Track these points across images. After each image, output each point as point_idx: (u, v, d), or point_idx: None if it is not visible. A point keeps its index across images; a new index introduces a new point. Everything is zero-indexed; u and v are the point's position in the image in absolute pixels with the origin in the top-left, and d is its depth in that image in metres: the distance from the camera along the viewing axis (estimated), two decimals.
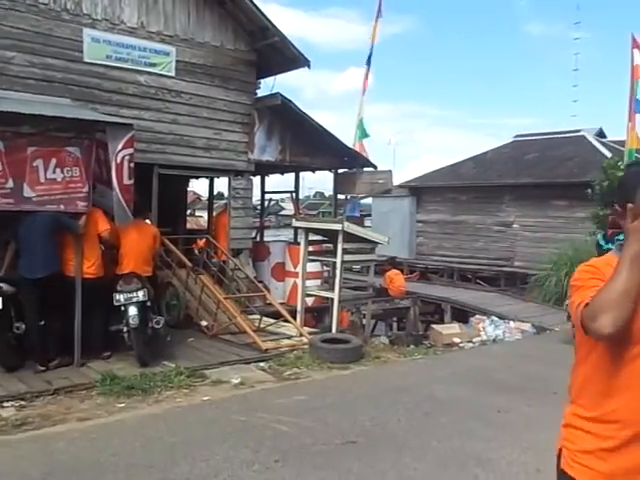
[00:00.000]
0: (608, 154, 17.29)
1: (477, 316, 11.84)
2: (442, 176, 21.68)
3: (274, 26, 10.71)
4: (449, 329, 10.83)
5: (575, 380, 1.96)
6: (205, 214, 18.08)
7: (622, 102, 15.03)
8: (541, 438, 5.10)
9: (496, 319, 11.13)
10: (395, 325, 13.58)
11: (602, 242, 11.60)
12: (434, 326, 11.49)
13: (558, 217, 18.06)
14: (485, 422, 5.54)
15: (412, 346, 9.81)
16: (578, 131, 21.29)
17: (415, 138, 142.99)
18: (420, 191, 21.88)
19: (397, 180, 21.40)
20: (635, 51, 14.84)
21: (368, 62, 17.55)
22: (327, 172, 13.60)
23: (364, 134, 16.88)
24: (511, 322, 10.94)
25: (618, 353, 1.75)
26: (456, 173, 21.41)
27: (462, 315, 13.13)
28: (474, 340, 10.21)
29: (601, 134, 22.99)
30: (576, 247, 13.36)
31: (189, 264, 9.65)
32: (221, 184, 13.97)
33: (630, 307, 1.65)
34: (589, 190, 14.30)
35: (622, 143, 15.90)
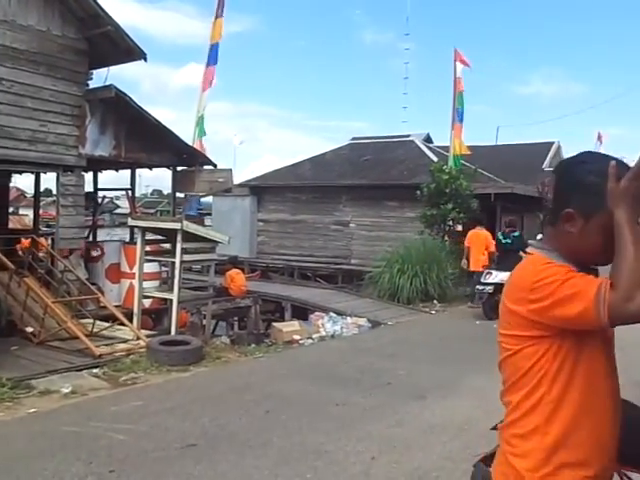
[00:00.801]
0: (435, 158, 18.57)
1: (316, 313, 12.11)
2: (282, 176, 21.98)
3: (107, 14, 10.18)
4: (289, 327, 10.98)
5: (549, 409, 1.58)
6: (31, 212, 16.77)
7: (447, 110, 16.30)
8: (375, 427, 5.35)
9: (334, 315, 11.46)
10: (236, 325, 13.50)
11: (501, 238, 12.64)
12: (275, 324, 11.60)
13: (391, 217, 19.08)
14: (324, 416, 5.68)
15: (253, 345, 9.82)
16: (408, 136, 22.67)
17: (257, 137, 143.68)
18: (261, 190, 22.02)
19: (238, 179, 21.39)
20: (457, 64, 16.11)
21: (210, 60, 17.30)
22: (165, 170, 13.21)
23: (202, 132, 16.62)
24: (348, 318, 11.31)
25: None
26: (296, 173, 21.82)
27: (302, 312, 13.37)
28: (314, 336, 10.44)
29: (428, 139, 24.68)
30: (406, 245, 14.17)
31: (11, 266, 8.86)
32: (49, 180, 13.05)
33: None
34: (418, 192, 15.28)
35: (447, 149, 17.21)
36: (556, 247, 1.63)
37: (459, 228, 15.66)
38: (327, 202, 20.43)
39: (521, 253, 12.23)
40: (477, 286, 11.49)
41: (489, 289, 10.95)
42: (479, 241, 12.79)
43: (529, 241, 1.65)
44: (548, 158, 29.03)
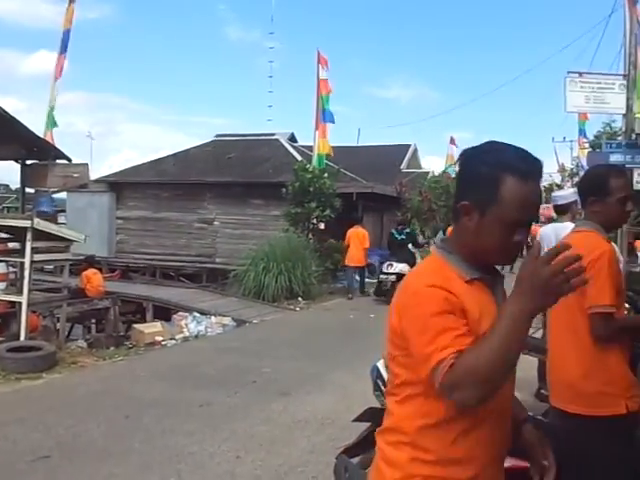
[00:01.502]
0: (299, 157, 18.81)
1: (180, 313, 11.86)
2: (143, 172, 21.21)
3: None
4: (151, 328, 10.65)
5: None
6: None
7: (311, 110, 16.54)
8: (240, 426, 5.33)
9: (198, 315, 11.28)
10: (94, 327, 12.87)
11: (396, 235, 14.31)
12: (136, 326, 11.19)
13: (256, 215, 19.08)
14: (187, 417, 5.56)
15: (112, 348, 9.41)
16: (273, 134, 22.77)
17: (115, 131, 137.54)
18: (120, 187, 21.10)
19: (95, 174, 20.36)
20: (320, 66, 16.43)
21: (62, 47, 16.30)
22: (13, 163, 12.25)
23: (53, 123, 15.64)
24: (212, 317, 11.19)
25: None
26: (158, 169, 21.15)
27: (165, 313, 13.01)
28: (177, 337, 10.21)
29: (293, 138, 24.95)
30: (272, 243, 14.23)
31: None
32: None
33: (504, 379, 1.39)
34: (283, 190, 15.41)
35: (311, 148, 17.49)
36: (456, 246, 1.55)
37: (322, 226, 15.99)
38: (191, 199, 20.01)
39: (411, 246, 14.01)
40: (380, 276, 13.18)
41: (392, 278, 12.56)
42: (358, 238, 14.11)
43: (434, 239, 1.70)
44: (406, 159, 30.52)
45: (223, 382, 6.81)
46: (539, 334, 5.08)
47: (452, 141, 29.12)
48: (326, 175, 15.68)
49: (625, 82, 12.31)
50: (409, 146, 32.14)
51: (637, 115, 11.88)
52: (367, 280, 15.21)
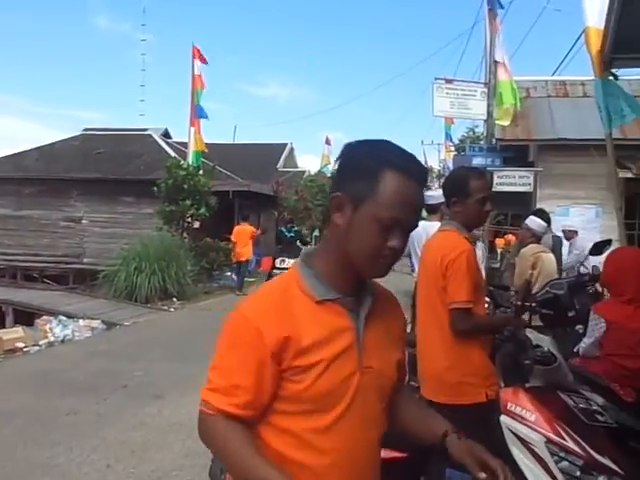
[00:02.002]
0: (173, 154, 18.36)
1: (44, 317, 11.19)
2: (2, 167, 19.75)
3: None
4: (11, 334, 9.94)
5: None
6: None
7: (186, 106, 16.18)
8: (110, 433, 5.10)
9: (64, 319, 10.70)
10: None
11: (286, 232, 15.27)
12: None
13: (127, 213, 18.39)
14: (52, 427, 5.24)
15: None
16: (145, 130, 22.04)
17: None
18: None
19: None
20: (196, 61, 16.12)
21: None
22: None
23: None
24: (80, 320, 10.66)
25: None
26: (19, 164, 19.77)
27: (27, 317, 12.21)
28: (41, 343, 9.62)
29: (167, 134, 24.32)
30: (144, 242, 13.79)
31: None
32: None
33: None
34: (156, 187, 14.96)
35: (186, 145, 17.12)
36: (320, 258, 1.37)
37: (197, 225, 15.74)
38: (56, 196, 18.90)
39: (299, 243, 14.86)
40: (273, 270, 13.61)
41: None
42: (245, 235, 14.51)
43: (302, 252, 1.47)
44: (282, 158, 30.70)
45: (92, 388, 6.48)
46: (408, 328, 5.30)
47: (327, 141, 29.68)
48: (201, 172, 15.43)
49: (486, 90, 13.18)
50: (286, 145, 32.35)
51: (497, 121, 12.75)
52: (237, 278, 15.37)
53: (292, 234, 15.33)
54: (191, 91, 16.10)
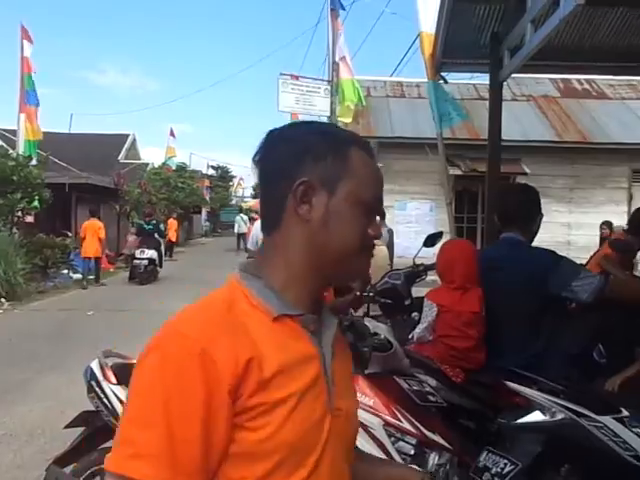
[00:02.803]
0: (1, 143, 16.91)
1: None
2: None
3: None
4: None
5: None
6: None
7: (14, 90, 14.97)
8: None
9: None
10: None
11: (145, 225, 15.85)
12: None
13: None
14: None
15: None
16: None
17: None
18: None
19: None
20: (25, 42, 14.94)
21: None
22: None
23: None
24: None
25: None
26: None
27: None
28: None
29: None
30: None
31: None
32: None
33: None
34: None
35: (13, 132, 15.81)
36: (270, 267, 1.05)
37: (30, 219, 14.68)
38: None
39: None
40: (134, 261, 15.00)
41: (144, 262, 14.86)
42: (93, 230, 14.46)
43: (243, 261, 1.16)
44: (124, 150, 29.46)
45: None
46: None
47: (172, 133, 28.98)
48: (33, 163, 14.35)
49: (329, 87, 13.57)
50: (127, 136, 31.10)
51: (339, 118, 13.19)
52: (77, 276, 14.78)
53: (151, 227, 15.91)
54: (20, 75, 14.90)
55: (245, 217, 28.15)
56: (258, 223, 6.63)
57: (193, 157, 51.50)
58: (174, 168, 28.43)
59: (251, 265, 1.07)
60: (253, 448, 0.92)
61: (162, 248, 16.55)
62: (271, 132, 1.09)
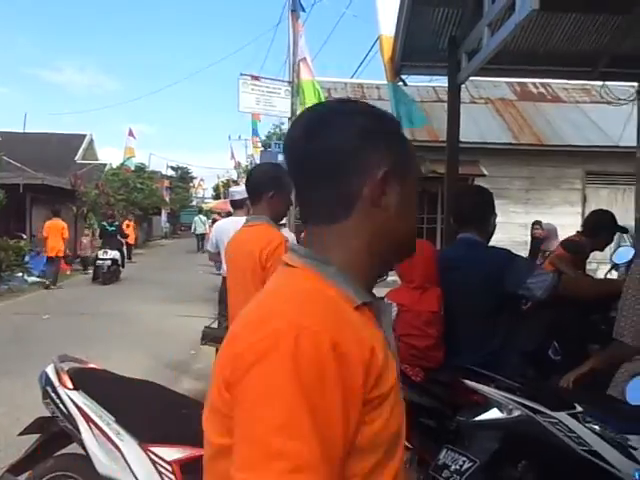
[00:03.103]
0: None
1: None
2: None
3: None
4: None
5: None
6: None
7: None
8: None
9: None
10: None
11: (107, 226, 16.02)
12: None
13: None
14: None
15: None
16: None
17: None
18: None
19: None
20: None
21: None
22: None
23: None
24: None
25: None
26: None
27: None
28: None
29: None
30: None
31: None
32: None
33: None
34: None
35: None
36: (343, 253, 0.99)
37: None
38: None
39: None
40: (97, 261, 15.08)
41: (108, 263, 14.97)
42: (56, 230, 14.63)
43: (293, 245, 1.08)
44: (81, 150, 28.89)
45: None
46: (216, 324, 5.29)
47: (131, 133, 28.50)
48: None
49: (290, 88, 13.56)
50: (85, 136, 30.49)
51: None
52: (33, 279, 14.49)
53: (113, 228, 16.25)
54: None
55: (204, 218, 27.85)
56: (220, 224, 6.55)
57: (153, 158, 50.84)
58: (133, 169, 27.98)
59: (311, 251, 1.00)
60: (368, 441, 0.89)
61: (124, 249, 17.21)
62: (317, 116, 1.03)
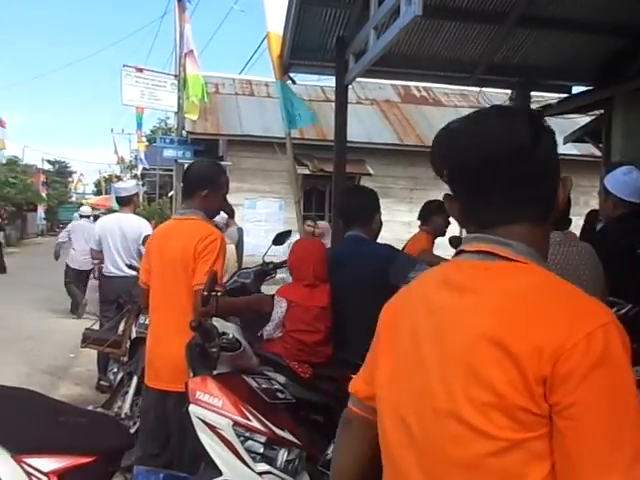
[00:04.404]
0: None
1: None
2: None
3: None
4: None
5: None
6: None
7: None
8: None
9: None
10: None
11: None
12: None
13: None
14: None
15: None
16: None
17: None
18: None
19: None
20: None
21: None
22: None
23: None
24: None
25: None
26: None
27: None
28: None
29: None
30: None
31: None
32: None
33: None
34: None
35: None
36: (542, 254, 1.09)
37: None
38: None
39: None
40: None
41: None
42: None
43: (473, 235, 1.08)
44: None
45: None
46: (97, 326, 5.06)
47: (1, 123, 26.66)
48: None
49: (176, 82, 13.22)
50: None
51: (185, 114, 12.89)
52: None
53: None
54: None
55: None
56: (102, 220, 6.28)
57: (27, 150, 47.76)
58: (4, 162, 26.21)
59: (530, 250, 1.04)
60: None
61: (2, 249, 16.51)
62: (533, 121, 1.08)
